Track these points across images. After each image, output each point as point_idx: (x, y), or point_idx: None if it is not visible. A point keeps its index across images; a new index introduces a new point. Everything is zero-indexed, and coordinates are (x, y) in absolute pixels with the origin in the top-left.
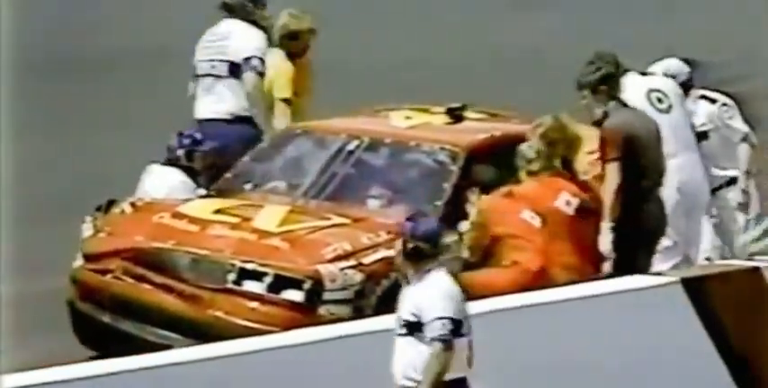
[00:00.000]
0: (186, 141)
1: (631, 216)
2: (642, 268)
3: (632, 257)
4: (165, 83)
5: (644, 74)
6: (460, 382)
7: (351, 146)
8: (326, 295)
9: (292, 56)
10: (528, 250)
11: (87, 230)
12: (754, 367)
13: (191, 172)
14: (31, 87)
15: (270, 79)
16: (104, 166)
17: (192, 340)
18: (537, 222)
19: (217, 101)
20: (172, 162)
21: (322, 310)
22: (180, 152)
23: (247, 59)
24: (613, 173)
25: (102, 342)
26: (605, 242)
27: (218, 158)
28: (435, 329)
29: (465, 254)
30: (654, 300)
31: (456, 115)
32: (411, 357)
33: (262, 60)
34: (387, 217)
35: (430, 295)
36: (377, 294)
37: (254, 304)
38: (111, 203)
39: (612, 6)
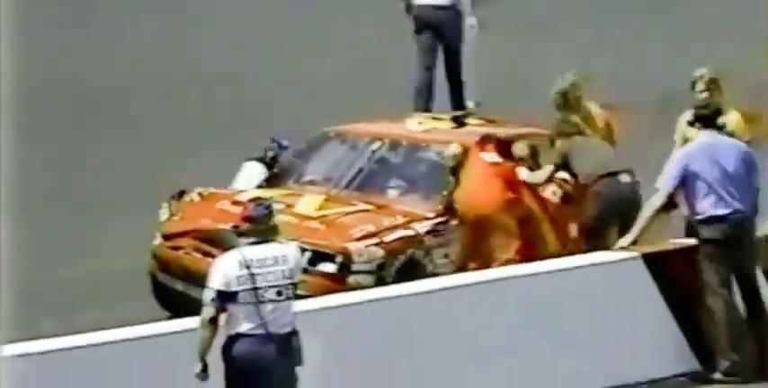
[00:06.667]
0: (275, 145)
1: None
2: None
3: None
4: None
5: None
6: (239, 336)
7: (374, 146)
8: (354, 267)
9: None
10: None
11: (164, 214)
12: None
13: (272, 168)
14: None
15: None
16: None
17: None
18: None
19: None
20: (261, 158)
21: (351, 279)
22: (269, 153)
23: None
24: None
25: (177, 306)
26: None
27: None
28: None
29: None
30: (618, 273)
31: (459, 121)
32: None
33: None
34: (403, 204)
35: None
36: (395, 266)
37: None
38: (182, 193)
39: None
